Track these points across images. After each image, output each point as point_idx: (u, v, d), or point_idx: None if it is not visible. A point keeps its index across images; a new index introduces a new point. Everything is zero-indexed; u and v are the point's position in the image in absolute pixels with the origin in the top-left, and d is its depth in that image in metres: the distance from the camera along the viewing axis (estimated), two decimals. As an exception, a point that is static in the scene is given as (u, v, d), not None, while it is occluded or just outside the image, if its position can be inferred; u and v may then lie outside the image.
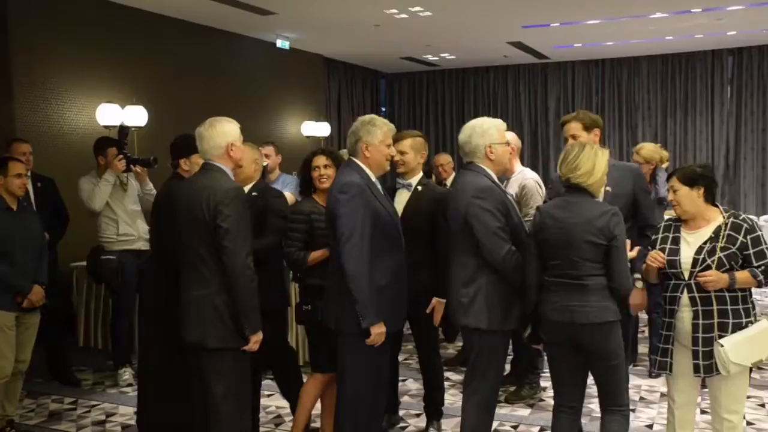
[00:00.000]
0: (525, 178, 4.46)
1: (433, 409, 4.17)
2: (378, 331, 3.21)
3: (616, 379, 3.11)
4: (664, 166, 5.50)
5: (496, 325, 3.25)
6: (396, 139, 3.94)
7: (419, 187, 3.94)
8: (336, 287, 3.30)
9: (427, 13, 7.96)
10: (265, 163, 5.04)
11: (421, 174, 3.99)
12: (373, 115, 3.43)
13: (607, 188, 3.72)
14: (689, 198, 3.15)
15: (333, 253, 3.36)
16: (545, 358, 5.01)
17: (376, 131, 3.34)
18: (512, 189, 4.48)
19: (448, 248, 3.45)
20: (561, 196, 3.19)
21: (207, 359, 3.15)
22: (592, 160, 3.05)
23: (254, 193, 3.92)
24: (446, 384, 5.07)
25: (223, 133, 3.19)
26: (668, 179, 3.26)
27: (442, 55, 11.33)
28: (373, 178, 3.36)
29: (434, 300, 3.74)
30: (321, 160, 3.77)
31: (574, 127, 3.84)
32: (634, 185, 3.82)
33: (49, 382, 5.30)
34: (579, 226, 3.00)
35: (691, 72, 11.49)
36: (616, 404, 3.12)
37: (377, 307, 3.20)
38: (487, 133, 3.29)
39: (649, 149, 5.45)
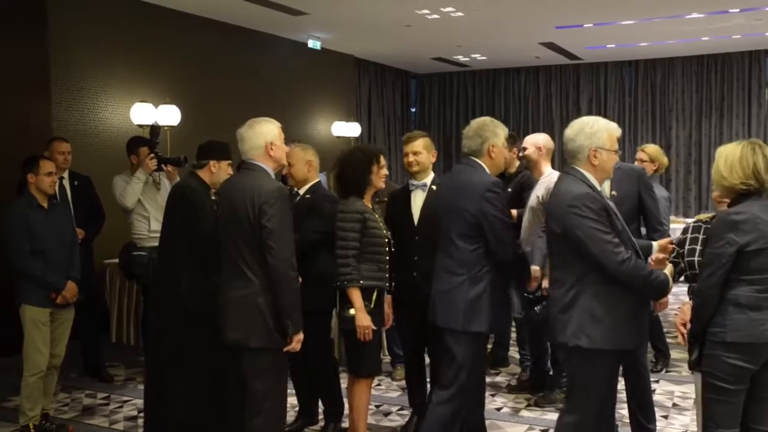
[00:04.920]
0: (552, 182, 4.41)
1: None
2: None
3: None
4: (660, 172, 5.33)
5: (598, 344, 2.89)
6: (407, 140, 3.99)
7: (434, 187, 3.94)
8: (454, 288, 3.32)
9: (459, 14, 7.93)
10: None
11: (432, 174, 4.00)
12: (491, 118, 3.46)
13: (613, 192, 3.70)
14: None
15: (451, 255, 3.35)
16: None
17: (501, 133, 3.38)
18: (539, 191, 4.45)
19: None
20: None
21: (247, 358, 3.18)
22: None
23: (307, 196, 3.96)
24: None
25: (261, 133, 3.22)
26: None
27: (473, 55, 11.28)
28: None
29: None
30: (383, 160, 3.80)
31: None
32: (639, 187, 3.77)
33: (83, 377, 5.39)
34: None
35: (728, 73, 11.28)
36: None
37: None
38: (596, 135, 2.97)
39: (655, 148, 5.28)
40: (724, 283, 2.76)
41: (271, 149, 3.23)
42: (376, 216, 3.70)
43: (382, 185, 3.79)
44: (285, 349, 3.14)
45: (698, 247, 3.15)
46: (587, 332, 2.87)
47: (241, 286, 3.14)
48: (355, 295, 3.56)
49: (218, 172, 3.77)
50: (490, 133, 3.35)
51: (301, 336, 3.15)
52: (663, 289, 2.95)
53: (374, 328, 3.60)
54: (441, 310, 3.39)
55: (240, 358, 3.21)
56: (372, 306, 3.61)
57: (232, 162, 3.85)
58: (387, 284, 3.67)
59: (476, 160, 3.37)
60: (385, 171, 3.78)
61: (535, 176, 4.60)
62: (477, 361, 3.43)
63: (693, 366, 2.87)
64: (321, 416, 4.31)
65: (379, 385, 5.03)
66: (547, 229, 3.16)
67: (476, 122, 3.43)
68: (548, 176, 4.54)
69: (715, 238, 2.77)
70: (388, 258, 3.66)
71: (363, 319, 3.56)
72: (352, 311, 3.59)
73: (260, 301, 3.10)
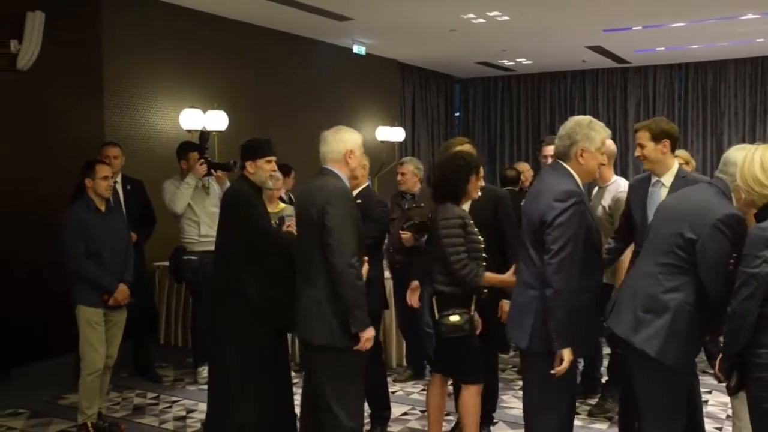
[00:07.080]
0: (619, 190, 4.26)
1: (486, 415, 4.13)
2: (569, 358, 2.91)
3: None
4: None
5: (668, 360, 2.79)
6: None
7: (479, 192, 3.90)
8: (527, 303, 3.03)
9: (505, 18, 7.88)
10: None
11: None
12: (590, 117, 3.10)
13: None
14: None
15: (526, 264, 3.08)
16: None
17: (596, 137, 3.01)
18: (606, 200, 4.33)
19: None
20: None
21: (315, 357, 3.25)
22: None
23: (358, 201, 3.99)
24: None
25: (342, 140, 3.32)
26: None
27: (518, 59, 11.18)
28: (581, 186, 3.04)
29: (502, 302, 3.68)
30: (482, 171, 3.72)
31: (641, 136, 3.62)
32: None
33: (133, 377, 5.50)
34: None
35: (783, 76, 10.98)
36: None
37: (573, 330, 2.91)
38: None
39: (684, 152, 5.00)
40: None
41: (350, 157, 3.31)
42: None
43: (476, 195, 3.68)
44: (355, 348, 3.16)
45: None
46: (660, 344, 2.77)
47: (308, 284, 3.23)
48: (491, 276, 3.51)
49: (256, 171, 3.82)
50: (581, 135, 2.99)
51: (369, 334, 3.17)
52: None
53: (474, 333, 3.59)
54: (512, 324, 3.18)
55: (310, 357, 3.29)
56: (474, 311, 3.56)
57: (271, 158, 3.85)
58: (485, 288, 3.60)
59: (562, 164, 3.04)
60: (482, 182, 3.70)
61: (599, 183, 4.42)
62: (559, 380, 2.99)
63: (734, 392, 2.72)
64: (367, 419, 4.31)
65: (424, 389, 5.01)
66: (658, 226, 2.93)
67: (572, 121, 3.08)
68: (614, 183, 4.35)
69: (750, 257, 2.54)
70: (484, 263, 3.57)
71: (508, 280, 3.45)
72: (452, 318, 3.51)
73: (323, 299, 3.15)
